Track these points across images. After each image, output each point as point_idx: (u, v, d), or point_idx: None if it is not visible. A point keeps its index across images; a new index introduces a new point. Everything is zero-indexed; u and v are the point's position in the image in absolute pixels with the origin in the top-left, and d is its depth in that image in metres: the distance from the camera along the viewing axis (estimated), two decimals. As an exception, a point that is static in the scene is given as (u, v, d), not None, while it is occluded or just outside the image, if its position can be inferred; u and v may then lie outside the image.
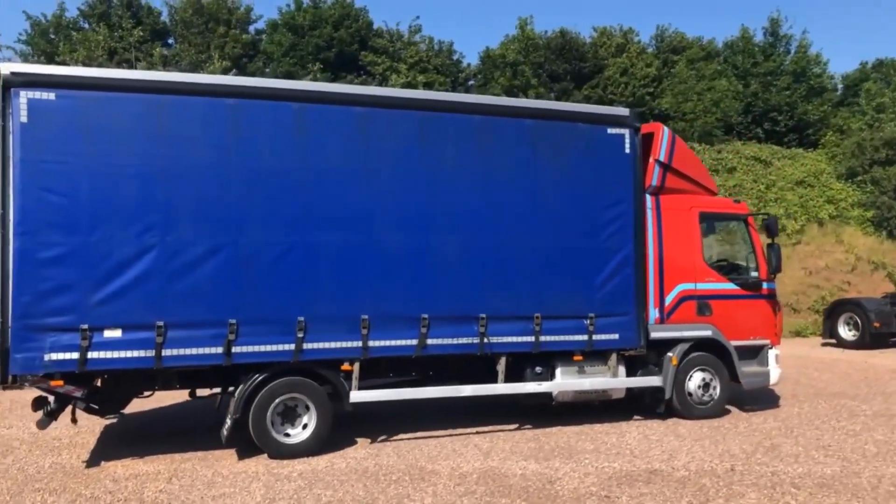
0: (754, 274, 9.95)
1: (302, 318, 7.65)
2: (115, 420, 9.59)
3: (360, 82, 31.74)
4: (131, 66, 26.31)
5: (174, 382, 8.07)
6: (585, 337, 8.73)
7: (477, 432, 8.85)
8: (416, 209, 8.16)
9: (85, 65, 26.10)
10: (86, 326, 6.99)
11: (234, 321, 7.43)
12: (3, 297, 6.84)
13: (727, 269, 10.12)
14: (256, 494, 6.47)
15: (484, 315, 8.31)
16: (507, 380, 8.70)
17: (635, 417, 9.61)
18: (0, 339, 6.83)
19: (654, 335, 9.27)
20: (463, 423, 9.14)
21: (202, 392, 8.58)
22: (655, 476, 6.94)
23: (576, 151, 8.83)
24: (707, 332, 9.52)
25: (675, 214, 9.51)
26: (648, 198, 9.39)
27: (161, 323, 7.20)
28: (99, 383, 7.69)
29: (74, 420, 7.78)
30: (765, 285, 9.93)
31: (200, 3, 31.71)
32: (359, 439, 8.52)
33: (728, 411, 10.00)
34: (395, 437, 8.59)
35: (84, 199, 7.07)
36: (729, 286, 9.74)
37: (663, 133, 9.42)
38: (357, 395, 7.98)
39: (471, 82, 36.33)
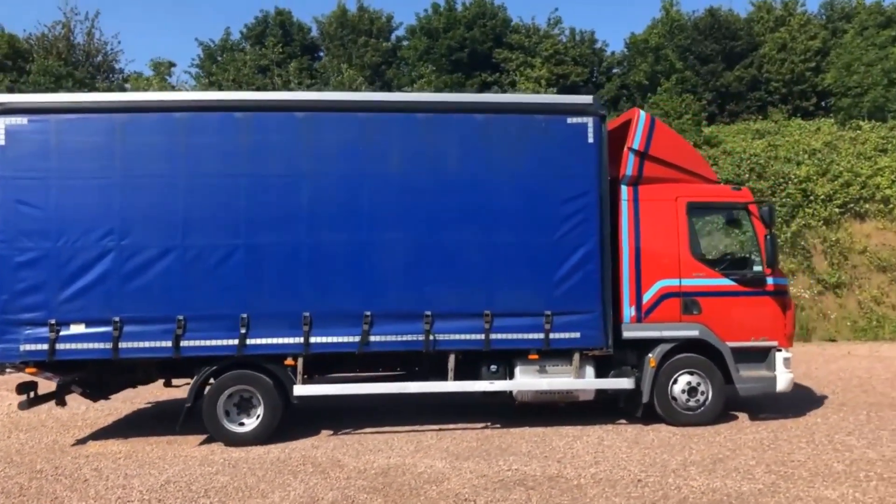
0: (757, 268, 8.99)
1: (245, 315, 8.14)
2: (148, 405, 10.83)
3: (493, 81, 32.03)
4: (272, 81, 28.55)
5: (153, 373, 8.95)
6: (542, 335, 8.42)
7: (440, 429, 8.87)
8: (357, 209, 8.34)
9: (234, 82, 28.77)
10: (54, 321, 7.97)
11: (181, 317, 8.09)
12: (-15, 296, 8.00)
13: (733, 263, 9.24)
14: (161, 477, 7.06)
15: (429, 312, 8.31)
16: (467, 377, 8.66)
17: (620, 421, 9.09)
18: (-16, 331, 7.99)
19: (628, 335, 8.72)
20: (438, 420, 9.17)
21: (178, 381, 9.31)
22: (549, 482, 6.63)
23: (531, 144, 8.54)
24: (693, 332, 8.77)
25: (657, 206, 8.87)
26: (624, 189, 8.86)
27: (117, 318, 8.02)
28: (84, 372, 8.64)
29: (63, 403, 8.82)
30: (770, 281, 8.92)
31: (345, 17, 33.59)
32: (323, 431, 8.90)
33: (734, 417, 9.18)
34: (358, 431, 8.85)
35: (52, 209, 8.05)
36: (723, 282, 8.88)
37: (639, 119, 8.82)
38: (301, 389, 8.35)
39: (614, 70, 35.23)
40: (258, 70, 30.58)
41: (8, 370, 8.17)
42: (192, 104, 8.41)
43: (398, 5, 55.44)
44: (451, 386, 8.51)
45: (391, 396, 8.91)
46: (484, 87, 31.08)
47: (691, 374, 8.81)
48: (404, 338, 8.34)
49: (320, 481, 6.80)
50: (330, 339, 8.27)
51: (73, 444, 8.56)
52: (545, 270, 8.48)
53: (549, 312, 8.43)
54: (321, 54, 34.75)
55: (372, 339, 8.28)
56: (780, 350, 8.90)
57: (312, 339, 8.23)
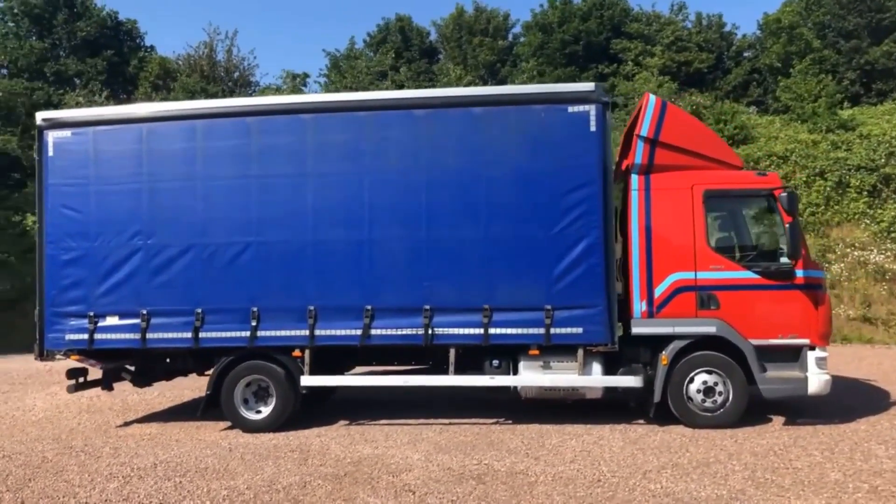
0: (785, 260, 8.26)
1: (255, 309, 8.61)
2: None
3: (610, 72, 31.18)
4: (383, 85, 29.46)
5: (189, 362, 9.63)
6: (542, 330, 8.23)
7: (449, 423, 8.93)
8: (358, 207, 8.56)
9: (351, 88, 29.97)
10: (92, 313, 8.83)
11: (200, 310, 8.68)
12: (40, 291, 9.00)
13: (759, 255, 8.54)
14: (162, 457, 7.63)
15: (428, 307, 8.38)
16: (474, 372, 8.65)
17: (637, 421, 8.70)
18: (39, 322, 9.00)
19: (637, 330, 8.35)
20: (453, 415, 9.25)
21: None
22: (508, 477, 6.50)
23: (531, 136, 8.38)
24: (709, 329, 8.22)
25: (671, 195, 8.41)
26: (635, 178, 8.49)
27: (145, 311, 8.75)
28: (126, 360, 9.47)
29: (110, 388, 9.68)
30: (800, 273, 8.17)
31: (462, 18, 34.00)
32: (340, 421, 9.21)
33: (766, 420, 8.58)
34: (372, 423, 9.09)
35: (91, 212, 8.92)
36: (745, 275, 8.25)
37: (648, 105, 8.41)
38: (307, 380, 8.68)
39: (745, 54, 33.16)
40: (378, 75, 31.66)
41: (58, 357, 9.12)
42: (208, 111, 9.00)
43: (516, 3, 55.24)
44: (451, 380, 8.52)
45: (425, 390, 9.15)
46: (600, 80, 30.32)
47: (709, 372, 8.27)
48: (404, 331, 8.45)
49: (293, 467, 7.08)
50: (333, 332, 8.55)
51: (119, 426, 9.42)
52: (545, 264, 8.28)
53: (549, 307, 8.23)
54: (440, 57, 35.38)
55: (373, 332, 8.46)
56: (812, 349, 8.15)
57: (317, 332, 8.55)
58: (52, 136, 9.04)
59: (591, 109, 8.27)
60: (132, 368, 9.61)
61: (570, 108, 8.33)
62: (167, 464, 7.34)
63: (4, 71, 34.89)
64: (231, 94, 33.66)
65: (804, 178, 22.46)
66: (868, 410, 9.10)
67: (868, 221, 21.21)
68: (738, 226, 8.82)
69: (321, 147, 8.66)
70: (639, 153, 8.40)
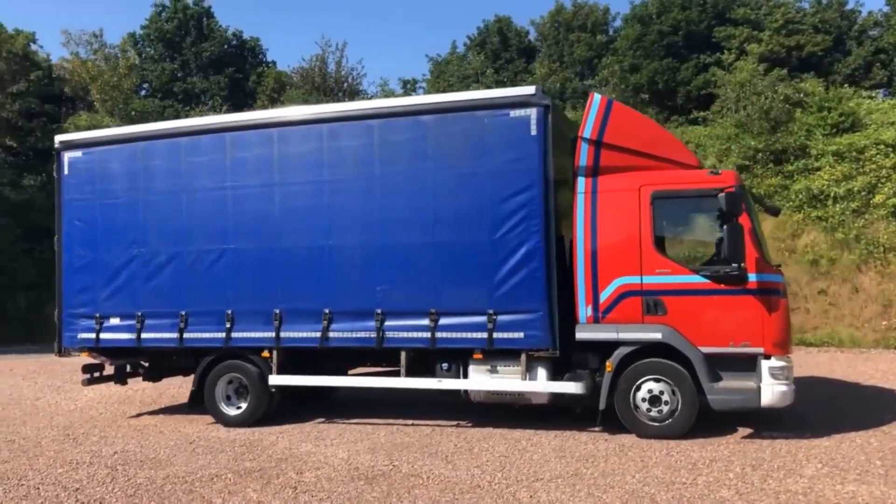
0: (736, 264, 7.78)
1: (230, 312, 9.26)
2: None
3: (713, 61, 29.65)
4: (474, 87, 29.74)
5: (191, 360, 10.42)
6: (485, 335, 8.29)
7: (412, 424, 9.17)
8: (319, 215, 9.01)
9: (443, 92, 30.52)
10: (98, 315, 9.85)
11: (184, 313, 9.45)
12: (58, 295, 10.14)
13: (711, 258, 8.11)
14: (129, 446, 8.42)
15: (380, 310, 8.67)
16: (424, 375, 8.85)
17: (592, 429, 8.51)
18: (58, 322, 10.14)
19: (581, 336, 8.19)
20: (425, 416, 9.45)
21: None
22: (402, 479, 6.66)
23: (475, 142, 8.47)
24: (655, 335, 7.92)
25: (617, 196, 8.18)
26: (581, 180, 8.33)
27: (140, 313, 9.64)
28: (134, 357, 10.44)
29: (124, 382, 10.67)
30: (753, 277, 7.69)
31: (560, 15, 33.63)
32: (317, 419, 9.69)
33: (730, 431, 8.20)
34: (345, 421, 9.47)
35: (98, 223, 9.95)
36: (693, 279, 7.88)
37: (592, 105, 8.22)
38: (275, 379, 9.21)
39: (871, 32, 30.45)
40: (475, 77, 31.98)
41: (73, 354, 10.23)
42: (190, 129, 9.75)
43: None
44: (402, 382, 8.76)
45: (418, 393, 9.42)
46: (701, 70, 28.98)
47: (657, 381, 7.97)
48: (358, 334, 8.79)
49: (224, 461, 7.59)
50: (297, 334, 9.04)
51: (129, 417, 10.39)
52: (487, 269, 8.33)
53: (491, 312, 8.28)
54: (540, 55, 35.17)
55: (331, 334, 8.87)
56: (767, 358, 7.66)
57: (282, 334, 9.07)
58: (67, 157, 10.15)
59: (532, 113, 8.22)
60: (146, 364, 10.59)
61: (512, 113, 8.32)
62: (125, 453, 8.09)
63: (143, 91, 38.53)
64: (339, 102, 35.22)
65: (914, 169, 20.48)
66: (860, 424, 8.40)
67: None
68: (688, 228, 8.43)
69: (285, 158, 9.17)
70: (583, 155, 8.24)
